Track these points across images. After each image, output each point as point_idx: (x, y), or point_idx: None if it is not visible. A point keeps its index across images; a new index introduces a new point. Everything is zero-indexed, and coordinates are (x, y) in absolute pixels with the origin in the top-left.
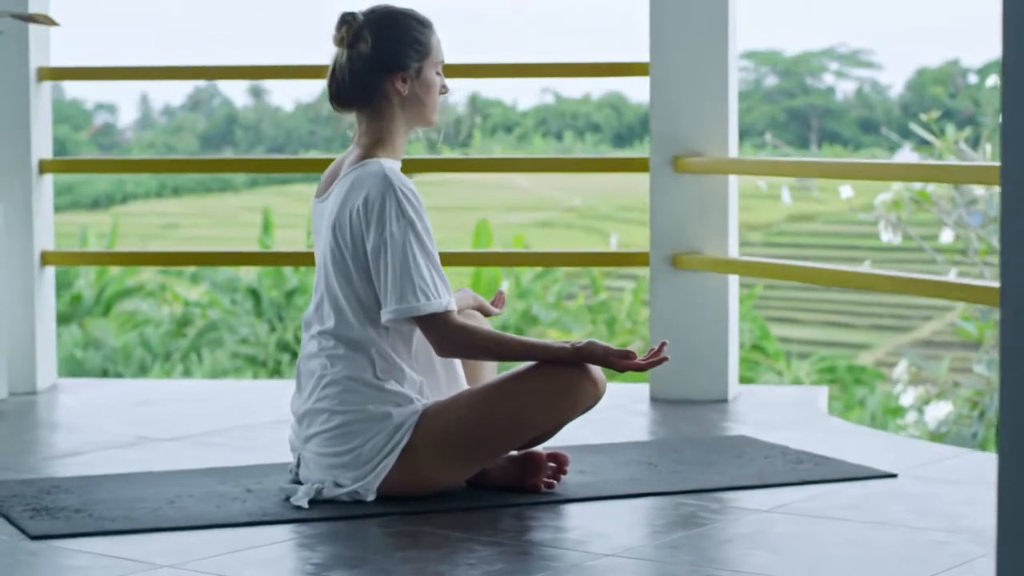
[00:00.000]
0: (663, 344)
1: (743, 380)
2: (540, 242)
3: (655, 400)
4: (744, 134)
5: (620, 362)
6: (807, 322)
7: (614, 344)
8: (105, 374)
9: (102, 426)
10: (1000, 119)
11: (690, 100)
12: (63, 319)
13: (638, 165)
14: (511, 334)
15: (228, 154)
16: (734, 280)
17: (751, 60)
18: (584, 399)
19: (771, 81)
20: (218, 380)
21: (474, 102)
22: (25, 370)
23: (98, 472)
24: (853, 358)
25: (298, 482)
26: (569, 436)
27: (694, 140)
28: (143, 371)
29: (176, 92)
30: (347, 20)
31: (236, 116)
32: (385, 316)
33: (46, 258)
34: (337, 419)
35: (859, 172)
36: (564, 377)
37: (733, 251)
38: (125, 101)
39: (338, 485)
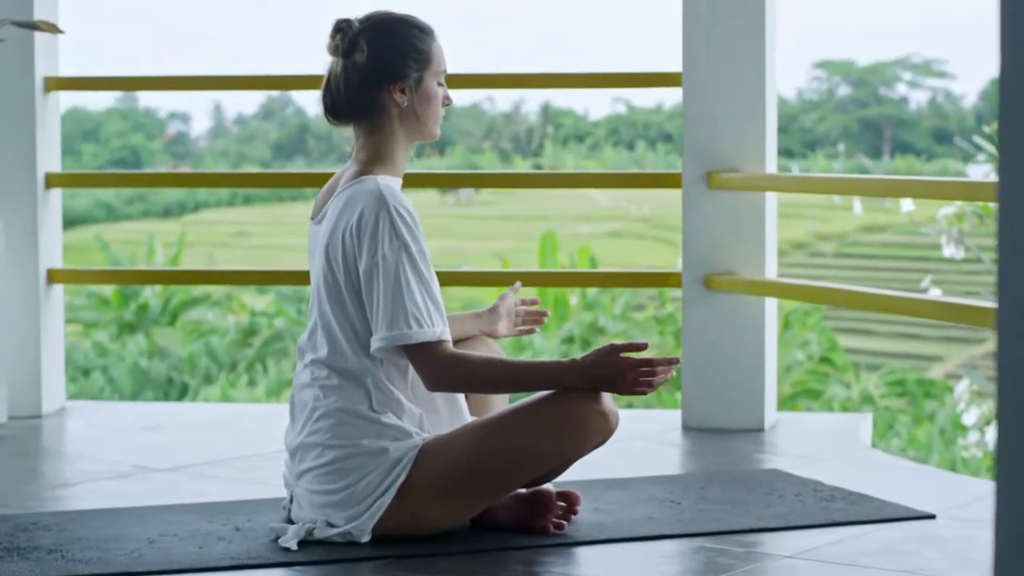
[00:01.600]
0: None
1: (810, 394)
2: (608, 253)
3: (687, 429)
4: (817, 144)
5: (629, 386)
6: (877, 334)
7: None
8: (170, 383)
9: (100, 454)
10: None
11: (725, 112)
12: (130, 328)
13: (670, 181)
14: (510, 359)
15: (300, 164)
16: (771, 302)
17: (824, 70)
18: (594, 434)
19: (844, 91)
20: (238, 404)
21: (546, 112)
22: (29, 393)
23: (84, 506)
24: (924, 371)
25: (291, 521)
26: (589, 469)
27: (729, 155)
28: (208, 380)
29: (249, 101)
30: (342, 27)
31: (308, 125)
32: (375, 344)
33: (53, 276)
34: (330, 454)
35: (899, 189)
36: (572, 411)
37: (771, 272)
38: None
39: (330, 525)
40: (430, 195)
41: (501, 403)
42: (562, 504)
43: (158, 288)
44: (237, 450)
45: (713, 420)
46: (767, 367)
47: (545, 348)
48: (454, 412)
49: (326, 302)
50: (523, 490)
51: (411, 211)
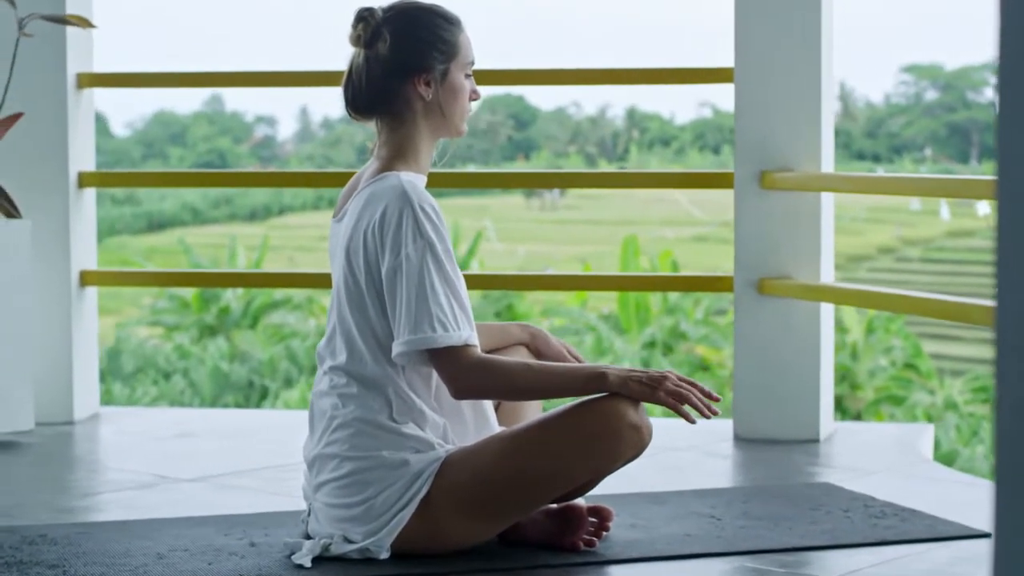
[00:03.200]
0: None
1: (893, 400)
2: (691, 257)
3: (739, 440)
4: (904, 148)
5: (665, 391)
6: (963, 339)
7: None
8: (250, 386)
9: (125, 463)
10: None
11: (779, 109)
12: (211, 331)
13: (722, 181)
14: (543, 363)
15: None
16: (827, 308)
17: (912, 74)
18: (626, 448)
19: (932, 95)
20: (278, 411)
21: (631, 116)
22: (61, 399)
23: (100, 518)
24: None
25: (309, 536)
26: (628, 482)
27: (783, 154)
28: (288, 384)
29: (336, 104)
30: (364, 17)
31: None
32: (396, 349)
33: (86, 278)
34: (348, 466)
35: (961, 190)
36: (603, 422)
37: (827, 276)
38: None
39: (348, 541)
40: (515, 199)
41: (533, 412)
42: (593, 520)
43: (239, 291)
44: (267, 459)
45: (765, 430)
46: (823, 375)
47: (627, 352)
48: (481, 422)
49: (346, 305)
50: (553, 505)
51: (436, 208)
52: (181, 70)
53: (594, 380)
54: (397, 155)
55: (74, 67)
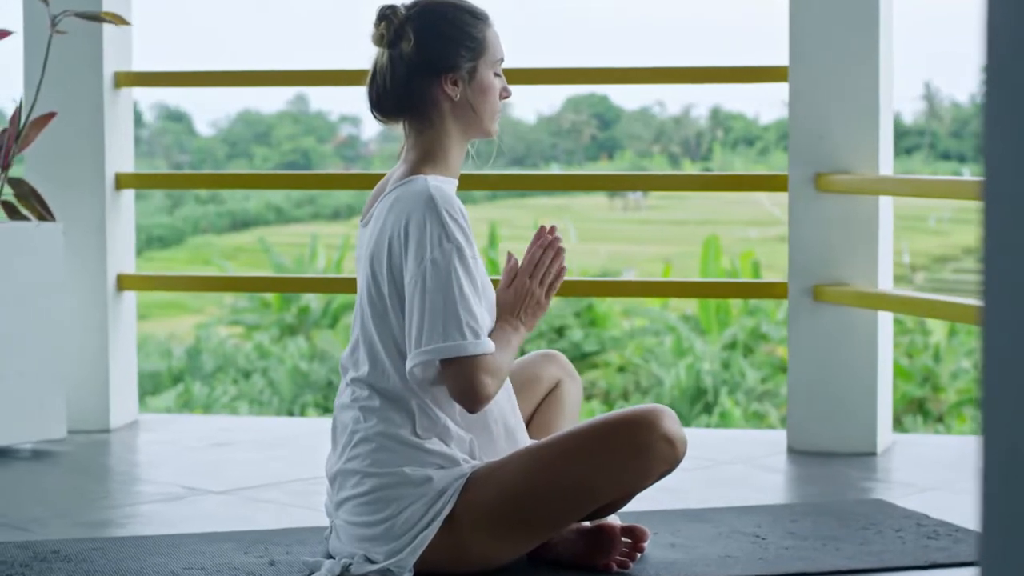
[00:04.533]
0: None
1: (976, 404)
2: (775, 258)
3: (792, 452)
4: None
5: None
6: None
7: None
8: (329, 386)
9: (156, 474)
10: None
11: (835, 108)
12: (291, 331)
13: (776, 183)
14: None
15: (467, 167)
16: (885, 316)
17: None
18: (658, 463)
19: None
20: (323, 418)
21: (715, 116)
22: (97, 406)
23: (120, 532)
24: None
25: (330, 555)
26: (672, 497)
27: (840, 155)
28: None
29: None
30: (386, 15)
31: None
32: (417, 358)
33: (123, 282)
34: (369, 482)
35: None
36: (633, 436)
37: (885, 283)
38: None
39: (369, 561)
40: (598, 199)
41: (568, 424)
42: (627, 540)
43: None
44: (302, 471)
45: (821, 443)
46: (880, 386)
47: (706, 353)
48: (510, 436)
49: (369, 315)
50: (586, 523)
51: (464, 213)
52: (222, 69)
53: (513, 334)
54: (425, 158)
55: (111, 66)
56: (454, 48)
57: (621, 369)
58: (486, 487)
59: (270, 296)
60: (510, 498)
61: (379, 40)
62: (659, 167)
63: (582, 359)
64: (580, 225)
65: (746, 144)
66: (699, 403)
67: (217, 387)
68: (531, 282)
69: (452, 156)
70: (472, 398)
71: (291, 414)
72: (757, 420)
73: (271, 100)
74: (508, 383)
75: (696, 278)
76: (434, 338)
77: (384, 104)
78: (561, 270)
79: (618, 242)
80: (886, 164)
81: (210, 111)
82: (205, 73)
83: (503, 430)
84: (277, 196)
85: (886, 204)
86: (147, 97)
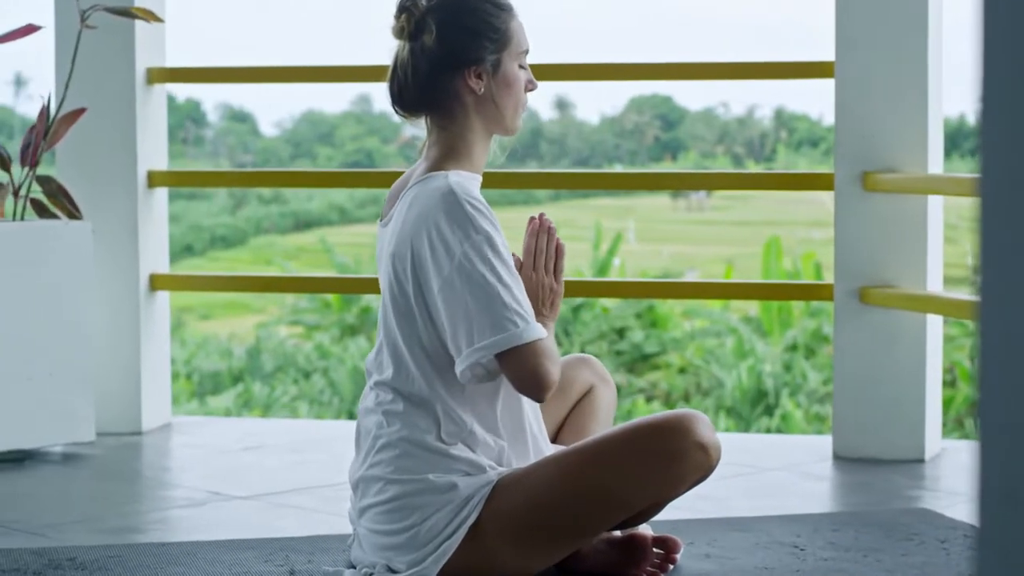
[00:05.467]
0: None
1: None
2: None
3: (838, 459)
4: None
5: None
6: None
7: None
8: None
9: (183, 478)
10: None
11: (883, 105)
12: (352, 331)
13: (821, 182)
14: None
15: (532, 168)
16: (935, 319)
17: None
18: (691, 470)
19: None
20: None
21: (779, 117)
22: (129, 408)
23: (141, 539)
24: None
25: (352, 564)
26: (712, 505)
27: (887, 153)
28: None
29: None
30: (407, 7)
31: (541, 129)
32: (472, 356)
33: (156, 282)
34: (392, 489)
35: None
36: (665, 442)
37: (934, 285)
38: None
39: (390, 570)
40: (662, 199)
41: (602, 429)
42: (659, 551)
43: None
44: (327, 476)
45: (867, 449)
46: (929, 391)
47: (768, 355)
48: (535, 444)
49: (392, 316)
50: (617, 532)
51: (487, 205)
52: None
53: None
54: (448, 154)
55: (144, 61)
56: (477, 40)
57: (682, 371)
58: (513, 495)
59: (331, 296)
60: (537, 506)
61: (400, 33)
62: (722, 168)
63: (643, 360)
64: (643, 226)
65: (810, 145)
66: (760, 405)
67: (277, 387)
68: (536, 274)
69: (476, 151)
70: (538, 385)
71: (351, 415)
72: (818, 422)
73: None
74: None
75: (742, 279)
76: (485, 333)
77: (405, 99)
78: (559, 248)
79: (681, 243)
80: (935, 162)
81: (274, 111)
82: (239, 69)
83: (536, 437)
84: (340, 196)
85: (935, 204)
86: (211, 97)
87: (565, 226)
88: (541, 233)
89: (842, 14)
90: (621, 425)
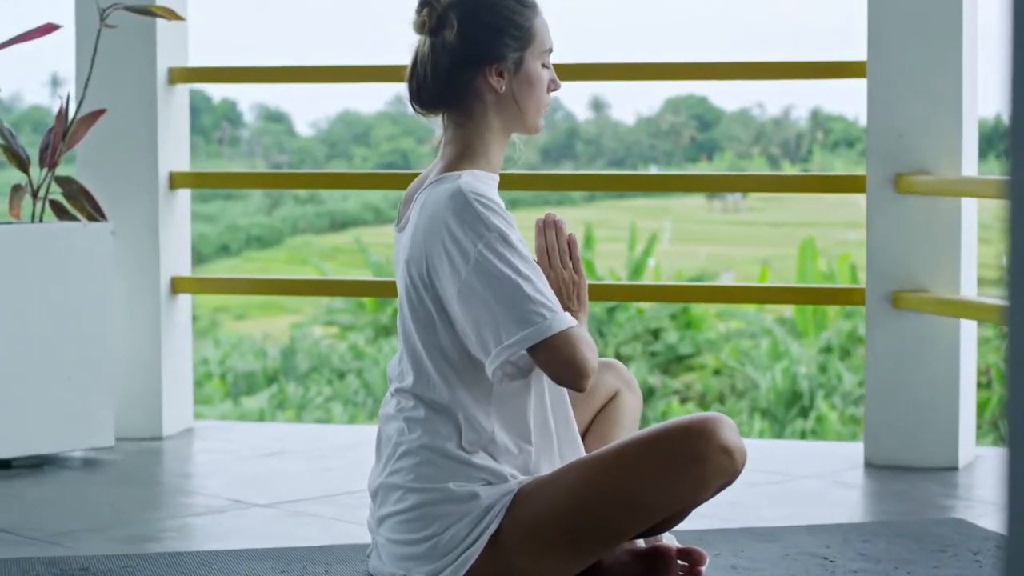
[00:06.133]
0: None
1: None
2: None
3: (870, 466)
4: None
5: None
6: None
7: None
8: None
9: (202, 485)
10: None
11: (916, 106)
12: (386, 331)
13: (853, 184)
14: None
15: (567, 168)
16: (969, 325)
17: None
18: (715, 476)
19: None
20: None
21: (815, 117)
22: (149, 413)
23: (155, 548)
24: None
25: (370, 575)
26: (740, 513)
27: (920, 154)
28: None
29: None
30: (429, 2)
31: (577, 129)
32: (503, 354)
33: (177, 285)
34: (412, 498)
35: None
36: (688, 447)
37: (968, 289)
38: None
39: None
40: (698, 200)
41: (630, 427)
42: (684, 563)
43: None
44: (352, 483)
45: (899, 457)
46: (962, 397)
47: (803, 356)
48: (561, 449)
49: (411, 322)
50: (641, 542)
51: (500, 203)
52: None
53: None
54: (464, 154)
55: (165, 61)
56: (500, 37)
57: (717, 372)
58: (534, 503)
59: (365, 297)
60: (559, 514)
61: (420, 27)
62: (758, 168)
63: (677, 361)
64: (679, 226)
65: (846, 146)
66: (795, 407)
67: (311, 388)
68: (554, 270)
69: (493, 151)
70: (576, 373)
71: None
72: (853, 424)
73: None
74: (564, 393)
75: (774, 283)
76: (513, 329)
77: (424, 95)
78: (570, 241)
79: (716, 243)
80: (969, 164)
81: (310, 112)
82: (261, 69)
83: (558, 440)
84: (375, 196)
85: (969, 206)
86: (247, 97)
87: (600, 226)
88: (548, 230)
89: (874, 12)
90: (644, 430)
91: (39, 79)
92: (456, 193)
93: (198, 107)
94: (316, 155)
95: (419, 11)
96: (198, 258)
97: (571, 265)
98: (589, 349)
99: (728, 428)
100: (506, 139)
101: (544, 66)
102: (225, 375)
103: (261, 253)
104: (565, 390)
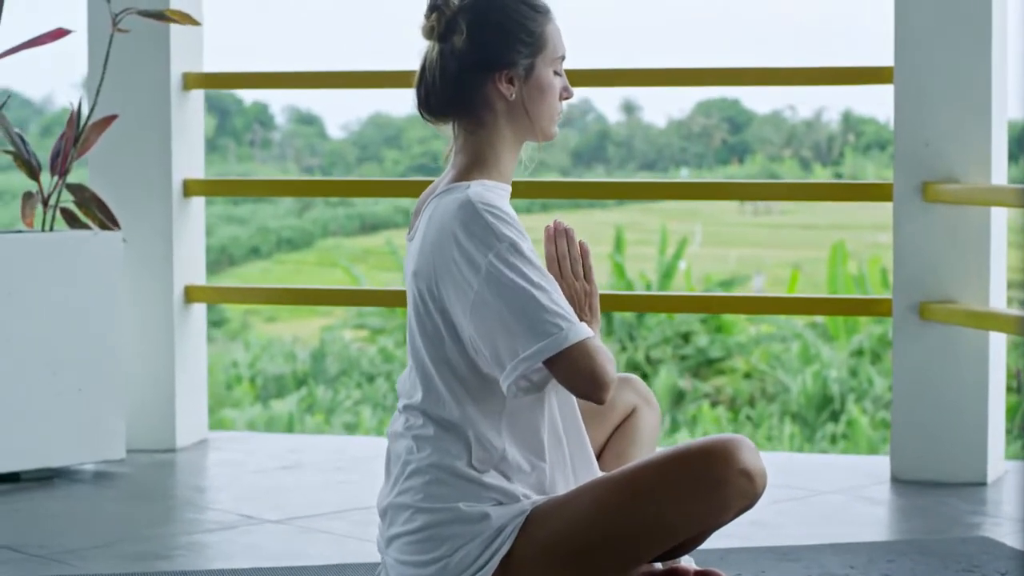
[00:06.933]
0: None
1: None
2: None
3: (896, 481)
4: None
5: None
6: None
7: None
8: None
9: (213, 499)
10: None
11: (944, 113)
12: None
13: (880, 192)
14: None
15: (599, 171)
16: (998, 337)
17: None
18: (735, 498)
19: None
20: None
21: (847, 120)
22: (163, 424)
23: (161, 566)
24: None
25: None
26: (764, 532)
27: (948, 162)
28: None
29: None
30: (438, 5)
31: (608, 132)
32: (519, 368)
33: (192, 294)
34: (421, 518)
35: None
36: (708, 469)
37: (997, 301)
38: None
39: None
40: (729, 203)
41: (645, 455)
42: None
43: None
44: (363, 498)
45: (927, 471)
46: (991, 411)
47: (834, 360)
48: (575, 467)
49: (419, 337)
50: (658, 565)
51: (508, 211)
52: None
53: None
54: (475, 163)
55: (179, 66)
56: (510, 43)
57: (747, 375)
58: (548, 525)
59: None
60: (573, 537)
61: (429, 32)
62: (790, 171)
63: (708, 365)
64: (710, 229)
65: (878, 148)
66: (826, 411)
67: (341, 391)
68: (564, 280)
69: (504, 160)
70: (596, 384)
71: None
72: (884, 428)
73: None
74: (576, 409)
75: (799, 294)
76: (528, 342)
77: (432, 102)
78: (582, 249)
79: (748, 246)
80: (999, 172)
81: (341, 114)
82: (278, 74)
83: (572, 459)
84: (406, 199)
85: (999, 215)
86: (278, 100)
87: (631, 229)
88: (559, 238)
89: (901, 16)
90: (662, 451)
91: (70, 81)
92: (464, 203)
93: (229, 110)
94: (347, 158)
95: (428, 16)
96: (229, 260)
97: (583, 275)
98: (607, 360)
99: (748, 450)
100: (518, 148)
101: (556, 73)
102: (255, 378)
103: (291, 255)
104: (576, 405)
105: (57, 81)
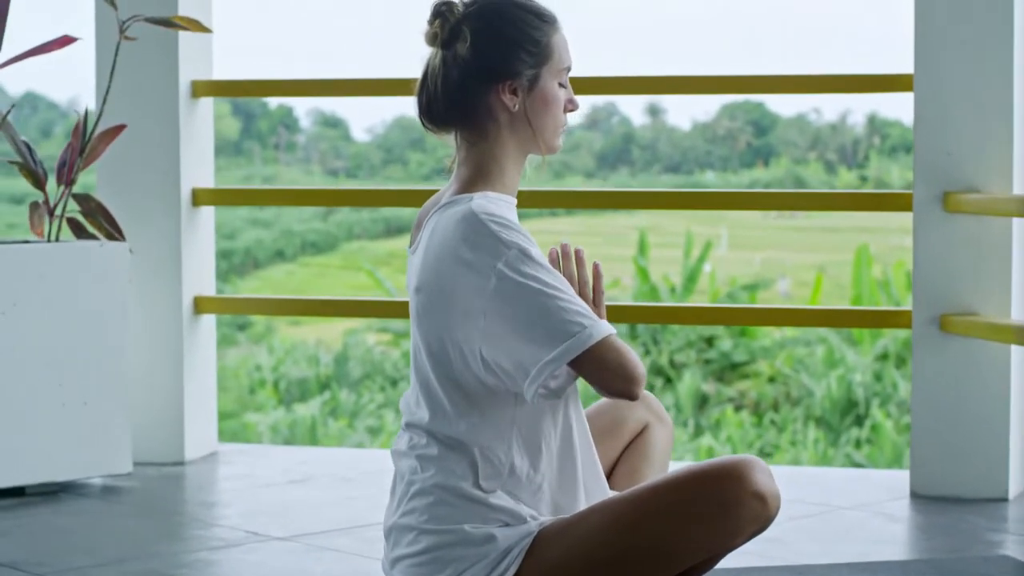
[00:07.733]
0: None
1: None
2: None
3: (916, 497)
4: None
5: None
6: None
7: None
8: None
9: (220, 515)
10: None
11: (966, 122)
12: None
13: (899, 202)
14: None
15: (623, 174)
16: (1020, 350)
17: None
18: (747, 522)
19: None
20: None
21: (872, 123)
22: (171, 437)
23: None
24: None
25: None
26: (780, 548)
27: (970, 172)
28: None
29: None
30: (442, 11)
31: (633, 135)
32: (545, 371)
33: (201, 305)
34: (425, 540)
35: None
36: (720, 491)
37: (1019, 313)
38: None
39: None
40: None
41: (657, 473)
42: None
43: None
44: (376, 514)
45: (946, 487)
46: (1012, 425)
47: (858, 364)
48: (598, 487)
49: (423, 352)
50: None
51: (513, 220)
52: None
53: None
54: (478, 174)
55: (188, 74)
56: (514, 52)
57: (771, 380)
58: (556, 547)
59: None
60: (581, 559)
61: (432, 39)
62: (815, 174)
63: (732, 369)
64: (734, 232)
65: (904, 151)
66: (850, 415)
67: (364, 394)
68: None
69: (508, 172)
70: (627, 378)
71: None
72: (909, 433)
73: None
74: (587, 426)
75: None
76: (551, 344)
77: (434, 111)
78: (595, 272)
79: (772, 249)
80: (1021, 183)
81: (366, 117)
82: (290, 82)
83: (583, 478)
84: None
85: (1021, 226)
86: (303, 103)
87: (655, 232)
88: (566, 261)
89: (921, 23)
90: (673, 472)
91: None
92: (467, 215)
93: (254, 113)
94: (372, 160)
95: (431, 22)
96: (254, 263)
97: (592, 298)
98: (633, 354)
99: (761, 472)
100: (523, 160)
101: (561, 85)
102: (278, 382)
103: (316, 259)
104: (587, 425)
105: (84, 85)
